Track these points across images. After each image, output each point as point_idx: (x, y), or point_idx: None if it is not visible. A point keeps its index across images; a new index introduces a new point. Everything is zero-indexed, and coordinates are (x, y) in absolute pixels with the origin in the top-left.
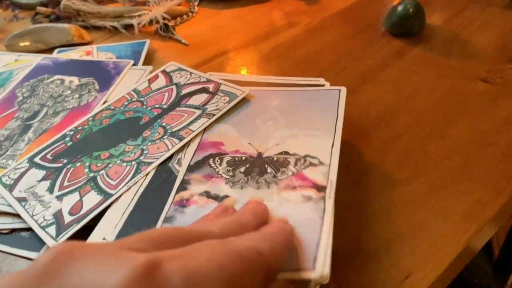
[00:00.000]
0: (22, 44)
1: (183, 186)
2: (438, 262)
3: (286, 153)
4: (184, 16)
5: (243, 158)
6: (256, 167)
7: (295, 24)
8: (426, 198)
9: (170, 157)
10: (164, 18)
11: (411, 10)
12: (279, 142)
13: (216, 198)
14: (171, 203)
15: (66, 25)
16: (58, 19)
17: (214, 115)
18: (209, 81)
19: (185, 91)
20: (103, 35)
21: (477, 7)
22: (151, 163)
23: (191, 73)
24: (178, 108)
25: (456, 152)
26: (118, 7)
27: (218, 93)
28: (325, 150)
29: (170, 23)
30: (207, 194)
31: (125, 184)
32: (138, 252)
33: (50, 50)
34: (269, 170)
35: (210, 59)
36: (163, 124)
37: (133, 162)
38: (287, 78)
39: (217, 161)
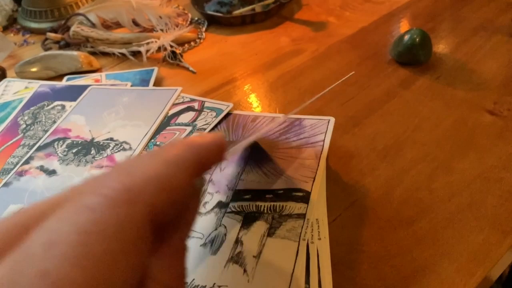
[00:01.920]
0: (32, 70)
1: (27, 161)
2: None
3: (111, 139)
4: (192, 43)
5: (79, 142)
6: (84, 149)
7: (302, 51)
8: (432, 238)
9: None
10: (171, 46)
11: (417, 39)
12: (110, 130)
13: (46, 171)
14: (13, 173)
15: (75, 53)
16: (67, 45)
17: (205, 129)
18: (192, 100)
19: (172, 111)
20: (112, 61)
21: (483, 34)
22: None
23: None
24: (168, 127)
25: (462, 189)
26: (126, 33)
27: (204, 110)
28: (139, 138)
29: (178, 51)
30: (41, 168)
31: None
32: None
33: (59, 77)
34: (92, 151)
35: (218, 87)
36: (157, 143)
37: None
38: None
39: (60, 144)
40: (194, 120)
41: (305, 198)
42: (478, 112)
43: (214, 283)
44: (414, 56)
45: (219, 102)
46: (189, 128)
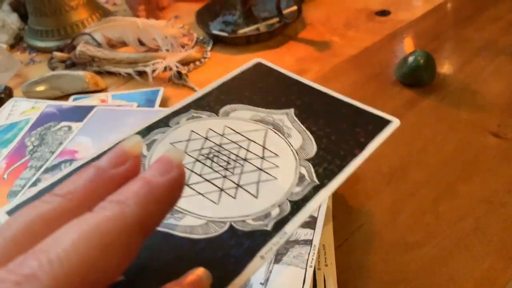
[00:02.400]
0: (39, 89)
1: (35, 183)
2: None
3: None
4: (197, 62)
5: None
6: None
7: (306, 71)
8: (438, 263)
9: None
10: (177, 66)
11: (421, 61)
12: None
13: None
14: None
15: (81, 73)
16: (73, 64)
17: None
18: None
19: None
20: (117, 81)
21: (487, 55)
22: None
23: None
24: None
25: (468, 213)
26: (132, 53)
27: None
28: None
29: (183, 71)
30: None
31: None
32: None
33: (66, 96)
34: None
35: None
36: None
37: None
38: None
39: (67, 165)
40: None
41: (311, 223)
42: (482, 134)
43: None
44: (418, 77)
45: None
46: None
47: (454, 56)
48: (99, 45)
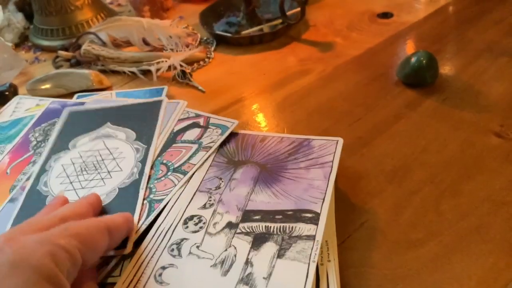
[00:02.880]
0: (43, 87)
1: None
2: None
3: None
4: (201, 62)
5: None
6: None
7: (309, 72)
8: (440, 261)
9: None
10: (181, 65)
11: (424, 62)
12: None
13: None
14: (19, 188)
15: (86, 71)
16: (78, 63)
17: (211, 147)
18: (197, 116)
19: (177, 127)
20: (122, 80)
21: (490, 56)
22: (162, 200)
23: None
24: (174, 145)
25: (470, 212)
26: (137, 52)
27: (209, 126)
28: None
29: (187, 70)
30: None
31: (142, 223)
32: None
33: (70, 95)
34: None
35: (226, 107)
36: (164, 161)
37: (144, 201)
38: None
39: None
40: (200, 138)
41: (315, 219)
42: (485, 134)
43: None
44: (421, 78)
45: (224, 119)
46: (195, 146)
47: (457, 57)
48: (104, 44)
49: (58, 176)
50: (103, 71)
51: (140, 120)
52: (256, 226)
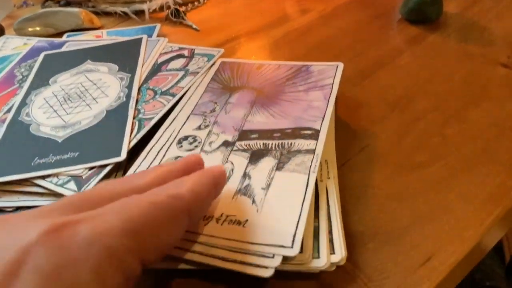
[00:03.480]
0: (31, 29)
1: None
2: (461, 244)
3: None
4: (196, 3)
5: None
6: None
7: (309, 11)
8: (446, 181)
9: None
10: (175, 4)
11: None
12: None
13: None
14: None
15: (76, 9)
16: (68, 4)
17: (198, 72)
18: (181, 48)
19: (161, 59)
20: (114, 21)
21: None
22: (152, 118)
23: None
24: (160, 73)
25: (476, 136)
26: None
27: (194, 56)
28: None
29: (181, 9)
30: None
31: (133, 138)
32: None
33: (60, 34)
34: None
35: (221, 44)
36: (151, 87)
37: (134, 120)
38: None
39: None
40: (186, 66)
41: (314, 135)
42: (492, 65)
43: (222, 213)
44: (424, 13)
45: (209, 49)
46: (181, 73)
47: None
48: None
49: (41, 107)
50: (95, 13)
51: (121, 56)
52: (254, 144)
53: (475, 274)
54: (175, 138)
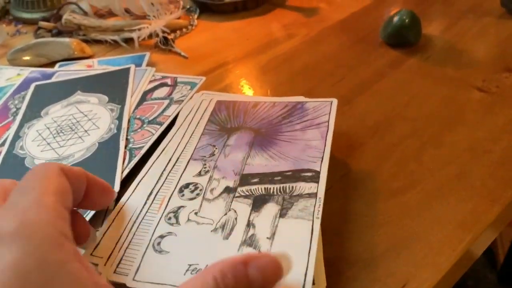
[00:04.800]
0: (24, 58)
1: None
2: (434, 271)
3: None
4: (184, 29)
5: None
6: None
7: (293, 36)
8: (421, 207)
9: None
10: (163, 32)
11: (407, 20)
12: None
13: None
14: None
15: (67, 39)
16: (60, 33)
17: (183, 101)
18: (164, 77)
19: (145, 88)
20: (104, 49)
21: (473, 16)
22: (142, 147)
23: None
24: (145, 103)
25: (452, 161)
26: (118, 21)
27: (177, 84)
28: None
29: (170, 36)
30: None
31: (125, 168)
32: None
33: (52, 64)
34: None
35: (209, 71)
36: (138, 116)
37: (125, 150)
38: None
39: None
40: (170, 94)
41: (315, 177)
42: (467, 89)
43: None
44: (404, 37)
45: (191, 77)
46: (166, 101)
47: (440, 18)
48: (85, 14)
49: (34, 140)
50: (85, 41)
51: (110, 86)
52: (255, 189)
53: (467, 281)
54: (175, 186)
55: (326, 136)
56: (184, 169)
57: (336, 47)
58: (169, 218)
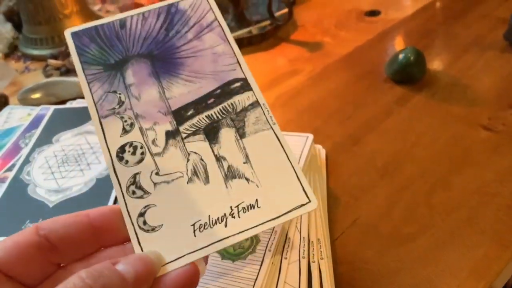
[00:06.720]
0: (34, 96)
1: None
2: None
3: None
4: None
5: None
6: None
7: (299, 72)
8: (432, 254)
9: None
10: None
11: (412, 58)
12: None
13: None
14: None
15: (76, 79)
16: (68, 71)
17: None
18: None
19: None
20: None
21: (477, 50)
22: None
23: None
24: None
25: (461, 204)
26: None
27: None
28: None
29: None
30: None
31: None
32: None
33: (61, 103)
34: None
35: None
36: None
37: None
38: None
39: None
40: None
41: (245, 85)
42: (474, 127)
43: (230, 206)
44: (409, 74)
45: None
46: None
47: (444, 52)
48: None
49: (41, 167)
50: None
51: None
52: (197, 122)
53: None
54: (110, 156)
55: (226, 36)
56: (103, 133)
57: (342, 83)
58: (133, 192)
